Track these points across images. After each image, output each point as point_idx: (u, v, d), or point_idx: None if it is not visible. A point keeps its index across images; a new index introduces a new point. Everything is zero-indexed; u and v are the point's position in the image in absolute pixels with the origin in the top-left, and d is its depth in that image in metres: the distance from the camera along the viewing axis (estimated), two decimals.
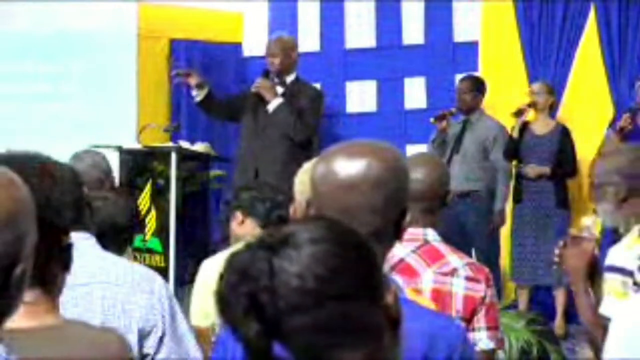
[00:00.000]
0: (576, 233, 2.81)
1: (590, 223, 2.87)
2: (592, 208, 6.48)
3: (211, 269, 2.89)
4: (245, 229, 3.26)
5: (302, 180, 2.64)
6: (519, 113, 6.30)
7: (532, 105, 6.36)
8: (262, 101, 6.22)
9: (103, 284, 2.17)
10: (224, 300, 1.22)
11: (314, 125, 6.30)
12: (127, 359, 1.44)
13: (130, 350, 1.47)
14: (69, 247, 1.51)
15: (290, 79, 6.35)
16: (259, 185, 5.70)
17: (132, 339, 2.15)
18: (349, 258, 1.23)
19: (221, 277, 1.23)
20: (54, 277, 1.46)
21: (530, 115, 6.45)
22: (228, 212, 3.52)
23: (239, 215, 3.34)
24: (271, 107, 6.19)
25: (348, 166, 1.78)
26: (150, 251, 6.23)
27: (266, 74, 6.33)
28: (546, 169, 6.26)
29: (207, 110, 6.62)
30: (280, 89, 6.25)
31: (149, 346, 2.17)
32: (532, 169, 6.28)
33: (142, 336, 2.16)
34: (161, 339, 2.18)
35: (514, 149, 6.32)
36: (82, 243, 2.22)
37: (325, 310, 1.19)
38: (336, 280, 1.20)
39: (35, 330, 1.40)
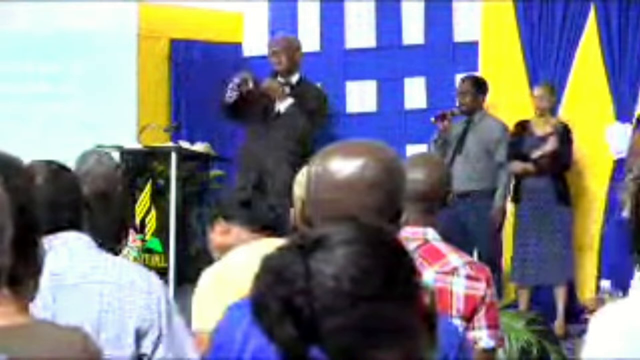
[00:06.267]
0: None
1: None
2: (600, 199, 6.55)
3: (211, 276, 2.88)
4: (232, 238, 3.07)
5: (301, 182, 2.64)
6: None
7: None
8: (269, 101, 6.20)
9: (99, 284, 2.17)
10: (258, 304, 1.22)
11: (322, 125, 6.34)
12: (90, 358, 1.45)
13: (96, 349, 1.48)
14: (42, 249, 1.51)
15: (294, 79, 6.36)
16: (240, 189, 5.71)
17: (129, 338, 2.15)
18: (380, 258, 1.23)
19: (255, 280, 1.23)
20: (25, 277, 1.46)
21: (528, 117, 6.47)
22: (207, 224, 3.30)
23: (223, 223, 3.12)
24: (282, 107, 6.18)
25: (344, 166, 1.78)
26: (150, 251, 6.24)
27: (275, 75, 6.34)
28: (529, 166, 6.26)
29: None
30: (286, 90, 6.25)
31: (146, 346, 2.17)
32: (516, 165, 6.30)
33: (139, 336, 2.16)
34: (158, 339, 2.18)
35: (516, 149, 6.34)
36: (75, 243, 2.22)
37: (359, 311, 1.19)
38: (369, 280, 1.20)
39: (6, 329, 1.40)
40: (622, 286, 5.63)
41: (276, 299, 1.19)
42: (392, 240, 1.29)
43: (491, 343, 2.42)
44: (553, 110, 6.53)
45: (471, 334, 2.38)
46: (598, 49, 6.73)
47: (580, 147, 6.53)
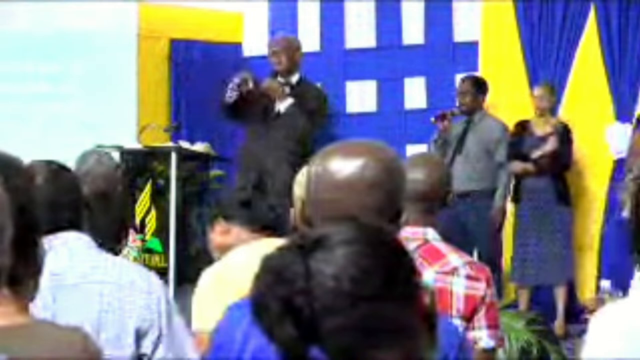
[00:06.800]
0: None
1: None
2: (600, 199, 6.55)
3: (211, 276, 2.88)
4: (232, 238, 3.07)
5: (301, 182, 2.64)
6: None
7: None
8: (269, 101, 6.21)
9: (99, 284, 2.17)
10: (258, 304, 1.22)
11: (322, 125, 6.35)
12: (90, 358, 1.45)
13: (96, 349, 1.48)
14: (42, 249, 1.52)
15: (294, 79, 6.36)
16: (240, 189, 5.71)
17: (129, 338, 2.15)
18: (380, 258, 1.23)
19: (255, 280, 1.23)
20: (25, 277, 1.46)
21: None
22: (207, 224, 3.31)
23: (223, 223, 3.12)
24: (282, 107, 6.18)
25: (344, 166, 1.78)
26: (150, 251, 6.24)
27: (275, 75, 6.34)
28: (529, 166, 6.26)
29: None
30: (286, 90, 6.25)
31: (146, 346, 2.17)
32: (516, 165, 6.30)
33: (139, 336, 2.16)
34: (158, 339, 2.18)
35: (516, 149, 6.34)
36: (75, 243, 2.23)
37: (359, 311, 1.19)
38: (369, 280, 1.21)
39: (6, 329, 1.41)
40: (622, 286, 5.63)
41: (276, 299, 1.19)
42: (392, 240, 1.29)
43: (491, 343, 2.42)
44: (553, 110, 6.53)
45: (471, 334, 2.38)
46: (598, 49, 6.73)
47: (580, 147, 6.53)
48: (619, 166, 6.48)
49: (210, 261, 3.08)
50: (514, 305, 6.25)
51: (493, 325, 2.42)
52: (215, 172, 7.03)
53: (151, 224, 6.27)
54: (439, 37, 7.15)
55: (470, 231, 6.26)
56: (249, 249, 2.86)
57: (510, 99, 6.86)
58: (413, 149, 6.53)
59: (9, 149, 1.53)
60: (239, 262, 2.77)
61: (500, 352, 4.01)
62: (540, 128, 6.39)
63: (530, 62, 6.91)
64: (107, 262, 2.24)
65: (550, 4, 6.85)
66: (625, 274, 5.14)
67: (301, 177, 2.66)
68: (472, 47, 7.04)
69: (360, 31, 7.36)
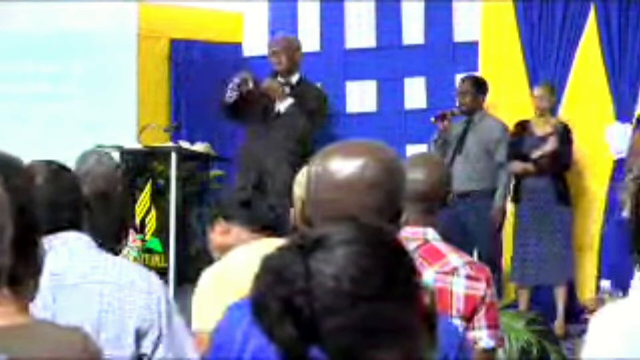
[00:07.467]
0: None
1: None
2: (600, 199, 6.54)
3: (211, 276, 2.88)
4: (232, 238, 3.07)
5: (301, 182, 2.64)
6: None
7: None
8: (269, 101, 6.21)
9: (99, 284, 2.17)
10: (258, 304, 1.22)
11: (322, 125, 6.35)
12: (90, 358, 1.45)
13: (96, 349, 1.48)
14: (42, 249, 1.51)
15: (294, 79, 6.36)
16: (240, 189, 5.72)
17: (129, 338, 2.15)
18: (381, 258, 1.23)
19: (255, 280, 1.23)
20: (25, 277, 1.46)
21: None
22: (207, 224, 3.32)
23: (223, 223, 3.12)
24: (282, 107, 6.18)
25: (344, 166, 1.79)
26: (150, 251, 6.24)
27: (275, 75, 6.34)
28: (529, 166, 6.26)
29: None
30: (286, 90, 6.25)
31: (146, 346, 2.17)
32: (516, 165, 6.30)
33: (139, 336, 2.16)
34: (158, 339, 2.18)
35: (516, 149, 6.34)
36: (75, 243, 2.23)
37: (359, 311, 1.19)
38: (369, 280, 1.21)
39: (6, 329, 1.41)
40: (622, 286, 5.63)
41: (276, 299, 1.19)
42: (392, 240, 1.29)
43: (491, 343, 2.42)
44: (553, 110, 6.53)
45: (471, 334, 2.38)
46: (598, 49, 6.73)
47: (580, 147, 6.53)
48: (619, 166, 6.48)
49: (210, 261, 3.08)
50: (514, 305, 6.25)
51: (493, 325, 2.42)
52: (215, 172, 7.03)
53: (151, 224, 6.27)
54: (439, 37, 7.16)
55: (470, 231, 6.26)
56: (249, 249, 2.86)
57: (510, 99, 6.86)
58: (413, 149, 6.53)
59: (9, 149, 1.53)
60: (239, 262, 2.77)
61: (500, 352, 4.01)
62: (540, 128, 6.39)
63: (530, 62, 6.91)
64: (107, 262, 2.24)
65: (550, 4, 6.85)
66: (625, 274, 5.14)
67: (301, 177, 2.66)
68: (472, 47, 7.04)
69: (360, 31, 7.36)
